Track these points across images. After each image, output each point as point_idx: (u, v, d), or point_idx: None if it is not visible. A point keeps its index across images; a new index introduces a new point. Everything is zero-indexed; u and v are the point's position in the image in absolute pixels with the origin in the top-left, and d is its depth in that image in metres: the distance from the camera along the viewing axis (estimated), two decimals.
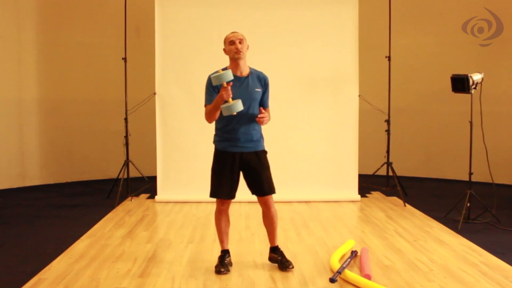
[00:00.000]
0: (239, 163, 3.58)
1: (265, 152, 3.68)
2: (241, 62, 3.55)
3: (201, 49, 5.95)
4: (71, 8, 7.30)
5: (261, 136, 3.68)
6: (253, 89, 3.55)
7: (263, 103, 3.67)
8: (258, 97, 3.59)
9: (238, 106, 3.31)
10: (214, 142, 3.66)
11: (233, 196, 3.62)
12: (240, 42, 3.51)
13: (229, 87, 3.32)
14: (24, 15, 7.01)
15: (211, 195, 3.62)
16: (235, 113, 3.34)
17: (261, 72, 3.69)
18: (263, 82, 3.64)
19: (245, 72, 3.59)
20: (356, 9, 6.01)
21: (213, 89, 3.50)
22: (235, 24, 5.84)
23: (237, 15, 5.95)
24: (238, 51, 3.49)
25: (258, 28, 5.86)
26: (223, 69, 3.41)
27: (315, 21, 6.02)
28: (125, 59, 6.17)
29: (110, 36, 7.24)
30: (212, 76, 3.37)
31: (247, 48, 3.58)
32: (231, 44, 3.52)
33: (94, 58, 7.38)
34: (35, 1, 7.09)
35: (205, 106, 3.55)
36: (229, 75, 3.31)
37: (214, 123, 3.62)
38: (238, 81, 3.52)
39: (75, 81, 7.35)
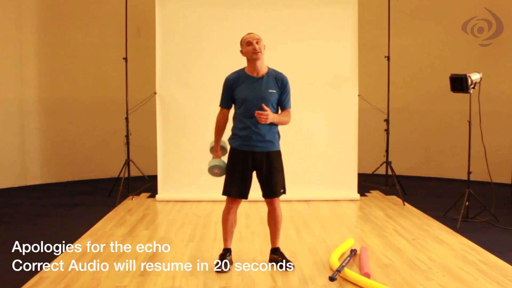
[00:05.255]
0: (251, 162, 3.58)
1: (278, 153, 3.65)
2: (258, 63, 3.53)
3: (201, 48, 5.97)
4: (72, 8, 7.32)
5: (276, 137, 3.64)
6: (266, 90, 3.53)
7: (282, 104, 3.63)
8: (272, 98, 3.55)
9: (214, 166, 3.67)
10: (229, 140, 3.68)
11: (244, 196, 3.61)
12: (257, 43, 3.49)
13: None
14: (25, 15, 7.02)
15: (223, 193, 3.64)
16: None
17: (280, 73, 3.64)
18: (280, 83, 3.59)
19: (261, 72, 3.57)
20: (356, 9, 6.02)
21: (229, 90, 3.57)
22: (235, 24, 5.88)
23: (237, 15, 5.97)
24: (256, 51, 3.47)
25: (257, 28, 5.79)
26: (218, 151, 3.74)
27: (315, 21, 6.03)
28: (126, 59, 6.19)
29: (111, 36, 7.26)
30: (211, 165, 3.67)
31: (264, 48, 3.56)
32: (248, 45, 3.50)
33: (95, 58, 7.40)
34: (36, 1, 7.10)
35: (220, 106, 3.64)
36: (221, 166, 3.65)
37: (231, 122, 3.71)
38: (252, 81, 3.54)
39: (76, 81, 7.37)
